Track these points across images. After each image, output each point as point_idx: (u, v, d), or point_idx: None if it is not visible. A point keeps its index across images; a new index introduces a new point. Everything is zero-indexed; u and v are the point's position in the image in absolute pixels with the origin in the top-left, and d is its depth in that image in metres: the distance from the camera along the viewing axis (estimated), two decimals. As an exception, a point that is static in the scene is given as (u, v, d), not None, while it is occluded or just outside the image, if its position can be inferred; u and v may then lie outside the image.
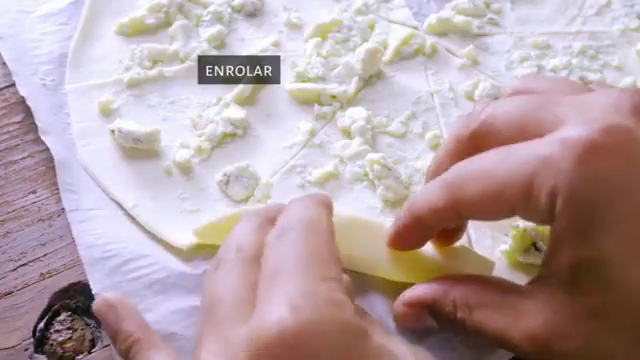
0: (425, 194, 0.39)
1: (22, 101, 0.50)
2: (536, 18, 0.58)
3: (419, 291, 0.40)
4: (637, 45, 0.56)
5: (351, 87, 0.53)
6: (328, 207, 0.38)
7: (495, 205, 0.36)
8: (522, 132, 0.36)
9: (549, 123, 0.35)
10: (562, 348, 0.33)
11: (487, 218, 0.38)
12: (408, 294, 0.40)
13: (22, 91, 0.50)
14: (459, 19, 0.57)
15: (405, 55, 0.56)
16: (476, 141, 0.39)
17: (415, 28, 0.57)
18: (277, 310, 0.30)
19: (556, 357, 0.34)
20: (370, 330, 0.32)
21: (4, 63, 0.52)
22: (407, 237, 0.40)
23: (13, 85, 0.52)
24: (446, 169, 0.38)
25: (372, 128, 0.51)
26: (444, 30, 0.57)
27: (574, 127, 0.34)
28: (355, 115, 0.51)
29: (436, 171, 0.41)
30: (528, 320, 0.34)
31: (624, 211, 0.32)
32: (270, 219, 0.37)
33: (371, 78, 0.54)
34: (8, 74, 0.52)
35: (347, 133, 0.51)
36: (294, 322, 0.29)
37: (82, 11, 0.56)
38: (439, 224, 0.39)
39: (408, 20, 0.58)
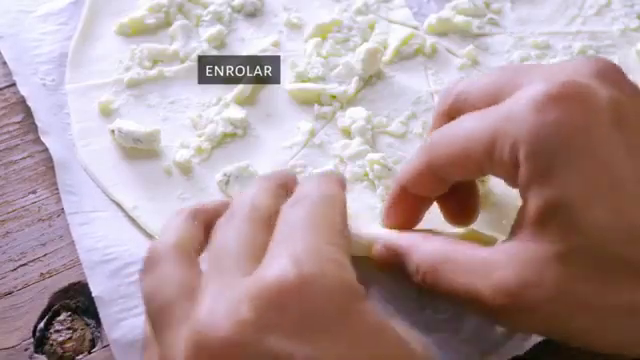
0: (407, 164, 0.40)
1: (22, 101, 0.50)
2: (536, 18, 0.58)
3: (396, 239, 0.40)
4: (637, 45, 0.56)
5: (351, 87, 0.53)
6: (343, 185, 0.38)
7: (463, 163, 0.37)
8: (493, 101, 0.37)
9: (515, 89, 0.36)
10: (533, 298, 0.33)
11: (459, 177, 0.39)
12: (377, 246, 0.40)
13: (22, 91, 0.50)
14: (459, 19, 0.57)
15: (405, 55, 0.56)
16: (453, 115, 0.40)
17: (415, 28, 0.57)
18: (280, 262, 0.30)
19: (526, 309, 0.33)
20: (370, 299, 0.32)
21: (4, 63, 0.53)
22: (397, 209, 0.41)
23: (13, 85, 0.52)
24: None
25: (372, 128, 0.51)
26: (444, 30, 0.57)
27: (534, 85, 0.35)
28: (355, 115, 0.51)
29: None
30: (498, 272, 0.34)
31: (583, 155, 0.33)
32: (284, 185, 0.38)
33: (371, 78, 0.54)
34: (8, 74, 0.52)
35: (347, 133, 0.51)
36: (295, 274, 0.30)
37: (82, 11, 0.56)
38: (422, 191, 0.40)
39: (408, 20, 0.58)
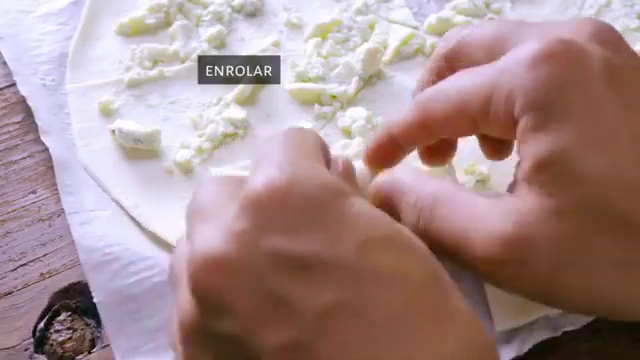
0: (399, 115, 0.40)
1: (22, 101, 0.50)
2: (536, 18, 0.58)
3: (389, 182, 0.39)
4: (637, 45, 0.56)
5: (351, 87, 0.53)
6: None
7: (458, 120, 0.37)
8: (492, 54, 0.37)
9: (512, 45, 0.37)
10: (527, 251, 0.32)
11: (453, 133, 0.39)
12: (380, 179, 0.40)
13: (22, 91, 0.50)
14: (459, 19, 0.57)
15: (405, 55, 0.56)
16: (451, 62, 0.40)
17: (415, 28, 0.57)
18: (265, 170, 0.30)
19: (517, 263, 0.33)
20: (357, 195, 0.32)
21: (4, 63, 0.53)
22: (381, 154, 0.41)
23: (13, 85, 0.52)
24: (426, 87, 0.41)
25: (372, 128, 0.51)
26: (444, 30, 0.57)
27: (530, 43, 0.35)
28: (355, 115, 0.51)
29: (418, 90, 0.44)
30: (492, 223, 0.33)
31: (577, 109, 0.33)
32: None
33: (371, 78, 0.54)
34: (8, 74, 0.52)
35: (347, 133, 0.51)
36: (280, 177, 0.30)
37: (82, 11, 0.56)
38: (411, 142, 0.40)
39: (408, 20, 0.58)
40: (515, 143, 0.36)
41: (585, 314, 0.40)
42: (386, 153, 0.41)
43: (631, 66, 0.35)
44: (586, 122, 0.33)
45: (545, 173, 0.33)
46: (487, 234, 0.33)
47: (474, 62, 0.38)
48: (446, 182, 0.38)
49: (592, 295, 0.33)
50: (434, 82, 0.40)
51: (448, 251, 0.35)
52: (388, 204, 0.38)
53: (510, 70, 0.35)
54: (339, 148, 0.50)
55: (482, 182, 0.46)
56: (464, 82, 0.37)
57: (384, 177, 0.39)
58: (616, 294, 0.33)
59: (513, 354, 0.41)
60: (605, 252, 0.32)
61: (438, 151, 0.42)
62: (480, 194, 0.36)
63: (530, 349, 0.41)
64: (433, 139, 0.40)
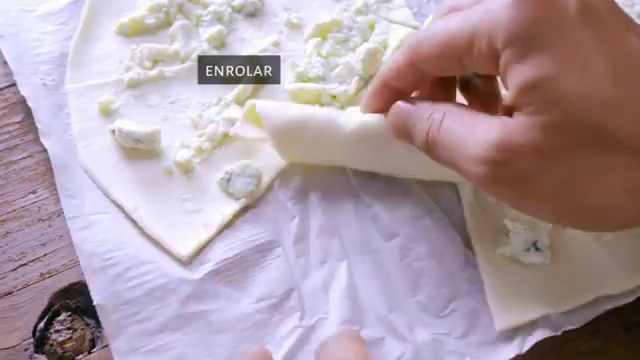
0: (390, 59, 0.44)
1: (22, 101, 0.50)
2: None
3: (407, 104, 0.43)
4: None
5: (351, 87, 0.53)
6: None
7: (445, 58, 0.40)
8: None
9: None
10: (515, 155, 0.36)
11: (440, 72, 0.42)
12: (399, 103, 0.44)
13: (22, 91, 0.50)
14: (459, 19, 0.57)
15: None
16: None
17: (415, 28, 0.57)
18: None
19: (505, 165, 0.37)
20: None
21: (4, 63, 0.52)
22: (377, 100, 0.45)
23: (13, 85, 0.51)
24: None
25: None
26: (444, 30, 0.57)
27: None
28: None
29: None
30: (487, 129, 0.37)
31: (555, 41, 0.36)
32: None
33: (371, 78, 0.54)
34: (9, 74, 0.52)
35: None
36: None
37: (82, 11, 0.56)
38: (402, 83, 0.44)
39: (408, 20, 0.58)
40: (499, 79, 0.40)
41: (561, 223, 0.43)
42: (382, 101, 0.45)
43: (605, 3, 0.38)
44: (564, 50, 0.36)
45: (529, 96, 0.36)
46: (480, 137, 0.37)
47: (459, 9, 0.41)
48: (456, 103, 0.42)
49: (570, 201, 0.37)
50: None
51: (449, 157, 0.40)
52: (404, 129, 0.43)
53: (491, 11, 0.38)
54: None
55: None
56: (449, 24, 0.40)
57: (402, 102, 0.43)
58: (593, 200, 0.36)
59: (513, 353, 0.41)
60: (583, 159, 0.36)
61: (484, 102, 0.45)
62: (483, 113, 0.39)
63: (530, 349, 0.41)
64: (423, 81, 0.43)
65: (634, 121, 0.35)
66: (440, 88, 0.44)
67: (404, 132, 0.43)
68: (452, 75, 0.43)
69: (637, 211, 0.37)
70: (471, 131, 0.38)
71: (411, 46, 0.42)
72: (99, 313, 0.42)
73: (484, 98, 0.44)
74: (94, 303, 0.42)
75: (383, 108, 0.45)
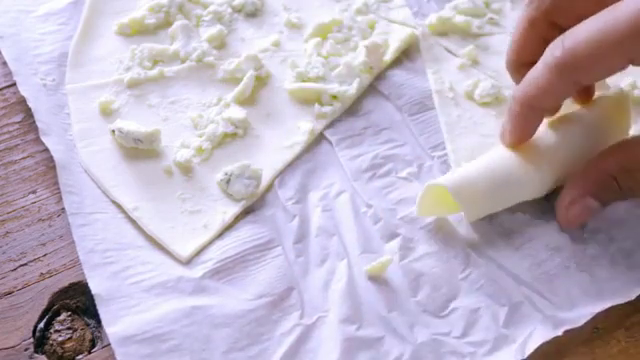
0: (534, 81, 0.43)
1: (22, 101, 0.50)
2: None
3: (575, 185, 0.45)
4: None
5: (353, 87, 0.53)
6: None
7: (613, 61, 0.40)
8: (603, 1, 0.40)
9: None
10: None
11: (605, 76, 0.43)
12: (567, 195, 0.45)
13: (22, 91, 0.50)
14: (459, 19, 0.57)
15: (405, 55, 0.56)
16: (552, 18, 0.45)
17: (415, 28, 0.57)
18: None
19: None
20: None
21: (4, 63, 0.53)
22: (524, 128, 0.45)
23: (13, 85, 0.52)
24: (525, 53, 0.46)
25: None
26: (444, 30, 0.57)
27: None
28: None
29: (517, 57, 0.48)
30: None
31: None
32: None
33: (371, 71, 0.54)
34: (8, 74, 0.52)
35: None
36: None
37: (82, 11, 0.56)
38: (556, 103, 0.45)
39: (408, 20, 0.58)
40: None
41: None
42: (530, 125, 0.45)
43: None
44: None
45: None
46: None
47: (582, 11, 0.41)
48: (613, 156, 0.45)
49: None
50: (531, 47, 0.46)
51: None
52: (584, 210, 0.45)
53: None
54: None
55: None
56: (610, 24, 0.39)
57: (565, 196, 0.45)
58: None
59: (514, 354, 0.41)
60: None
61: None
62: None
63: (532, 353, 0.41)
64: (574, 91, 0.45)
65: None
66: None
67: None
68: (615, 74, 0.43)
69: None
70: None
71: (563, 61, 0.41)
72: (97, 302, 0.42)
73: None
74: (92, 293, 0.42)
75: (532, 133, 0.45)
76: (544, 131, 0.47)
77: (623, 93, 0.49)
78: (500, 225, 0.46)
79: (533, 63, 0.44)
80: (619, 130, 0.48)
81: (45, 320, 0.43)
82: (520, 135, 0.46)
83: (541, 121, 0.46)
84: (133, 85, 0.52)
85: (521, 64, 0.48)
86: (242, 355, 0.41)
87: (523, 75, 0.45)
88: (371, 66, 0.53)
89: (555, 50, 0.41)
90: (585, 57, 0.40)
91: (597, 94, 0.48)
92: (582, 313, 0.42)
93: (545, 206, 0.47)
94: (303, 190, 0.48)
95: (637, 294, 0.43)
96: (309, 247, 0.46)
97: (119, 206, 0.46)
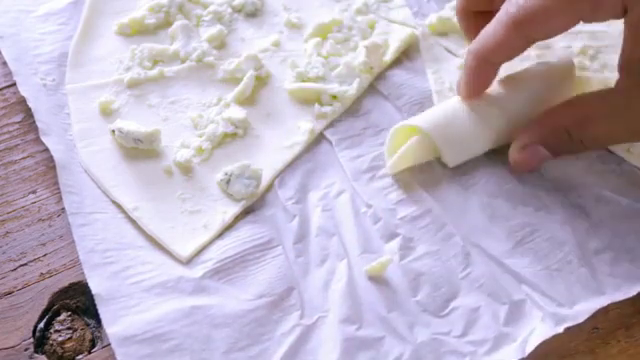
0: (489, 36, 0.46)
1: (22, 101, 0.50)
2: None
3: (529, 131, 0.47)
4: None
5: (353, 87, 0.53)
6: None
7: (564, 18, 0.43)
8: None
9: None
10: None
11: (557, 33, 0.45)
12: (520, 140, 0.47)
13: (22, 91, 0.50)
14: (459, 19, 0.57)
15: (405, 55, 0.56)
16: None
17: (415, 28, 0.57)
18: None
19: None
20: None
21: (4, 63, 0.53)
22: (479, 80, 0.48)
23: (13, 85, 0.52)
24: (473, 2, 0.50)
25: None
26: (444, 30, 0.57)
27: None
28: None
29: (466, 5, 0.51)
30: (633, 117, 0.43)
31: None
32: None
33: (372, 71, 0.54)
34: (8, 74, 0.52)
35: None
36: None
37: (82, 11, 0.56)
38: (509, 57, 0.47)
39: (408, 20, 0.58)
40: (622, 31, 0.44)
41: None
42: (484, 78, 0.47)
43: None
44: None
45: None
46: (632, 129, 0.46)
47: None
48: (568, 110, 0.47)
49: None
50: None
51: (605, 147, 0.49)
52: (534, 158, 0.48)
53: None
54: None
55: None
56: None
57: (520, 139, 0.48)
58: None
59: (514, 354, 0.41)
60: None
61: None
62: (606, 96, 0.46)
63: (532, 351, 0.41)
64: (529, 45, 0.46)
65: None
66: None
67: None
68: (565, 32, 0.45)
69: None
70: (617, 123, 0.45)
71: (517, 17, 0.44)
72: (97, 302, 0.42)
73: None
74: (92, 292, 0.42)
75: (486, 86, 0.48)
76: (496, 85, 0.49)
77: (570, 60, 0.52)
78: (502, 220, 0.47)
79: (481, 13, 0.49)
80: (565, 89, 0.50)
81: (45, 320, 0.43)
82: (475, 87, 0.48)
83: (495, 75, 0.48)
84: (133, 85, 0.52)
85: (469, 13, 0.51)
86: (242, 355, 0.41)
87: (470, 23, 0.50)
88: (371, 66, 0.53)
89: (510, 7, 0.44)
90: (538, 14, 0.43)
91: (545, 60, 0.52)
92: (583, 310, 0.42)
93: (549, 200, 0.47)
94: (303, 190, 0.48)
95: (638, 291, 0.43)
96: (309, 247, 0.46)
97: (119, 206, 0.46)
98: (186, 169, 0.48)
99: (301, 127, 0.51)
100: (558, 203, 0.47)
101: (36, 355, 0.41)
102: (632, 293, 0.43)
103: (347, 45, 0.56)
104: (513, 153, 0.48)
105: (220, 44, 0.55)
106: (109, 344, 0.41)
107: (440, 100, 0.53)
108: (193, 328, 0.41)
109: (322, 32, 0.56)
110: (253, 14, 0.58)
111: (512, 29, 0.44)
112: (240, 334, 0.41)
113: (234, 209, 0.47)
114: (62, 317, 0.43)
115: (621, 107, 0.45)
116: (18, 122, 0.51)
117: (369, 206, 0.47)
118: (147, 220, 0.46)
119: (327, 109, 0.52)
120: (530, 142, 0.47)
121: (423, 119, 0.48)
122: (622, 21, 0.44)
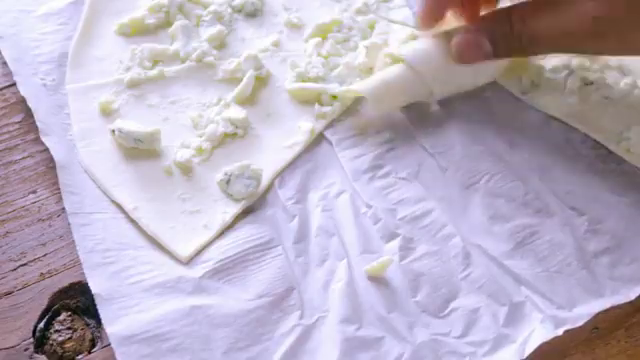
0: None
1: (22, 101, 0.50)
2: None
3: (478, 20, 0.48)
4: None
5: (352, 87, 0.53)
6: None
7: None
8: None
9: None
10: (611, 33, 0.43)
11: None
12: (465, 28, 0.48)
13: (22, 91, 0.50)
14: (459, 19, 0.57)
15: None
16: None
17: (415, 28, 0.57)
18: None
19: (608, 43, 0.44)
20: None
21: (4, 63, 0.53)
22: (434, 9, 0.49)
23: (13, 85, 0.52)
24: None
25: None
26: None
27: None
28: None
29: None
30: (580, 6, 0.42)
31: None
32: None
33: (372, 71, 0.54)
34: (8, 74, 0.52)
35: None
36: None
37: (82, 11, 0.56)
38: None
39: (408, 20, 0.58)
40: None
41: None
42: (437, 7, 0.48)
43: None
44: None
45: None
46: (579, 19, 0.44)
47: None
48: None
49: None
50: None
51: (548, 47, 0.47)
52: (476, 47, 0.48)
53: None
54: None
55: None
56: None
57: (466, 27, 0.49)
58: None
59: (514, 354, 0.41)
60: None
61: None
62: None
63: (532, 352, 0.41)
64: None
65: None
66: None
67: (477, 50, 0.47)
68: None
69: None
70: (563, 15, 0.43)
71: None
72: (97, 302, 0.42)
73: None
74: (92, 292, 0.42)
75: (440, 16, 0.49)
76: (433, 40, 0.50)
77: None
78: (502, 220, 0.47)
79: None
80: None
81: (45, 320, 0.43)
82: (429, 16, 0.49)
83: (448, 6, 0.49)
84: (133, 85, 0.52)
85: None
86: (242, 355, 0.41)
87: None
88: (371, 66, 0.53)
89: None
90: None
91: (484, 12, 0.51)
92: (582, 313, 0.42)
93: (549, 200, 0.47)
94: (303, 190, 0.48)
95: (637, 294, 0.43)
96: (309, 247, 0.46)
97: (119, 206, 0.46)
98: (186, 169, 0.48)
99: (301, 127, 0.51)
100: (558, 204, 0.47)
101: (36, 355, 0.41)
102: (632, 296, 0.44)
103: (347, 45, 0.56)
104: (458, 36, 0.48)
105: (220, 44, 0.55)
106: (109, 344, 0.41)
107: None
108: (193, 328, 0.41)
109: (322, 32, 0.56)
110: (253, 14, 0.58)
111: None
112: (240, 334, 0.41)
113: (234, 209, 0.47)
114: (62, 317, 0.43)
115: (567, 2, 0.44)
116: (18, 122, 0.51)
117: (369, 206, 0.47)
118: (147, 220, 0.46)
119: (327, 109, 0.52)
120: (474, 30, 0.47)
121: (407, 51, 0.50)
122: None
